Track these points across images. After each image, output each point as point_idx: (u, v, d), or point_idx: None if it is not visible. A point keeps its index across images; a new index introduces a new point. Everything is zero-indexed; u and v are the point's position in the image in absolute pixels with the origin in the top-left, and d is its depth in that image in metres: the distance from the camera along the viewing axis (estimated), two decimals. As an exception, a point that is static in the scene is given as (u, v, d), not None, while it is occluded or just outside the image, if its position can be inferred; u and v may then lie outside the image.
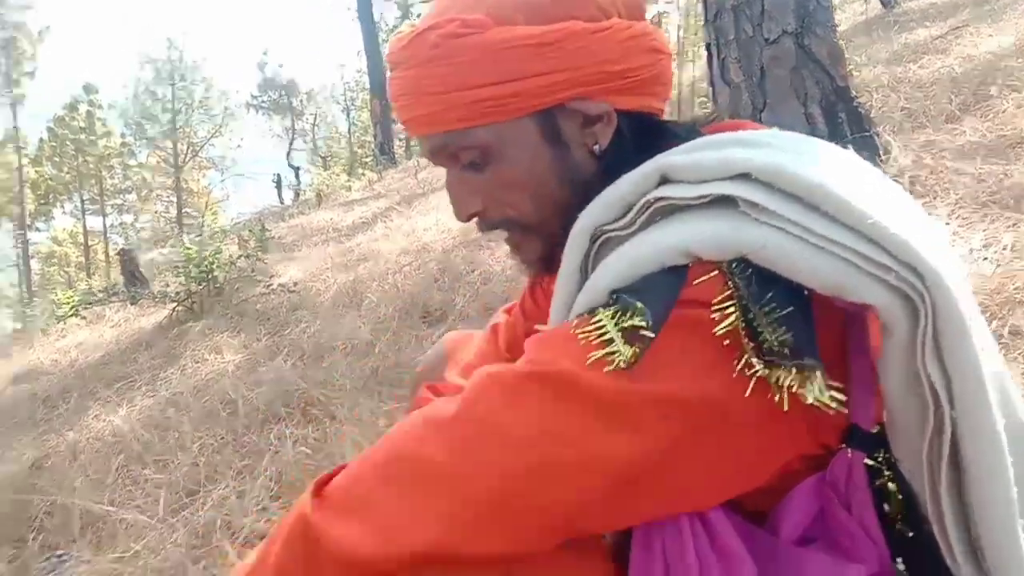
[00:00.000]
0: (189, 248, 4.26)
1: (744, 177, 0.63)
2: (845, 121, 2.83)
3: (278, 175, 23.86)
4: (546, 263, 0.81)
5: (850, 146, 0.81)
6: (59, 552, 1.83)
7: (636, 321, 0.61)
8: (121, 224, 29.11)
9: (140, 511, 1.82)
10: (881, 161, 2.79)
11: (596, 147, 0.76)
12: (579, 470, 0.62)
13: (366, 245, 5.76)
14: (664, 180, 0.67)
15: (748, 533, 0.67)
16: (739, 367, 0.59)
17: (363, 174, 15.23)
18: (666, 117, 0.83)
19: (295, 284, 4.29)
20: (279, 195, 22.57)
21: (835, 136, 2.81)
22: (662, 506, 0.65)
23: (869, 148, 2.78)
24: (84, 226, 28.35)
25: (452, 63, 0.73)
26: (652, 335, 0.61)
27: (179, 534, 1.68)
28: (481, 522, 0.63)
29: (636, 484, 0.62)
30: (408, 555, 0.64)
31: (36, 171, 26.55)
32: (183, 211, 28.08)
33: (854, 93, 2.98)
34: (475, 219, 0.81)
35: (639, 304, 0.62)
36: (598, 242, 0.72)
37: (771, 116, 2.85)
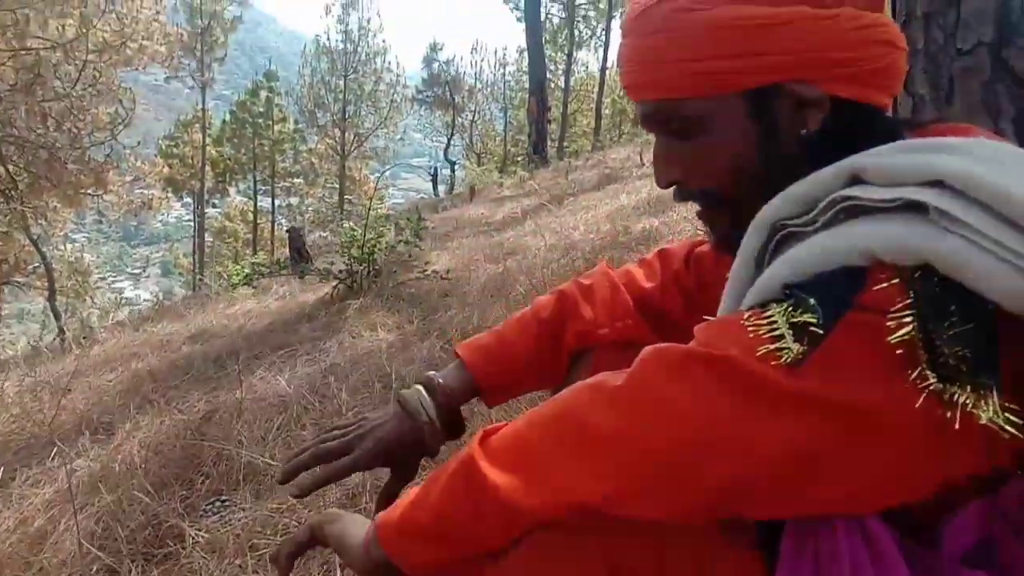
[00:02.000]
0: (354, 230, 4.50)
1: (937, 184, 0.60)
2: (1040, 140, 2.61)
3: (435, 168, 24.71)
4: (736, 242, 0.80)
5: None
6: (223, 497, 1.98)
7: (807, 318, 0.61)
8: (288, 205, 30.99)
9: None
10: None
11: (804, 131, 0.75)
12: (737, 452, 0.62)
13: (515, 240, 5.85)
14: (855, 180, 0.66)
15: (907, 546, 0.65)
16: (912, 378, 0.57)
17: (515, 172, 15.51)
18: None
19: (447, 272, 4.43)
20: (434, 188, 23.36)
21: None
22: (816, 504, 0.64)
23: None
24: (255, 205, 30.39)
25: (678, 35, 0.75)
26: (822, 333, 0.60)
27: (333, 493, 1.79)
28: (643, 486, 0.65)
29: (791, 477, 0.63)
30: (566, 509, 0.67)
31: (217, 150, 28.68)
32: (344, 198, 29.52)
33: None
34: (673, 188, 0.84)
35: (812, 301, 0.62)
36: (778, 236, 0.71)
37: (957, 132, 2.67)
